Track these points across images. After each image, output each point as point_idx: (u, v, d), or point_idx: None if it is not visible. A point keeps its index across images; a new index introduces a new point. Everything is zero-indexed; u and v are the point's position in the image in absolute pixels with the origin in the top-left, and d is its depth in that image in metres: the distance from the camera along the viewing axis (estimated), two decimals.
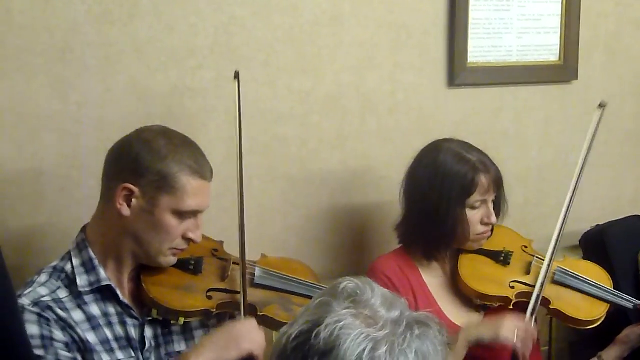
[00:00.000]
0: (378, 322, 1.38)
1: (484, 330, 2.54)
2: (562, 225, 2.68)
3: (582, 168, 2.67)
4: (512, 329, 2.52)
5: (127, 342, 2.16)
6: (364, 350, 1.33)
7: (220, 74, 2.78)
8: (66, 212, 2.58)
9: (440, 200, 2.62)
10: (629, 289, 2.93)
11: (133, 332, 2.18)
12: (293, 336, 1.38)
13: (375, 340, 1.35)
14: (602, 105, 2.68)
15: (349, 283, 1.44)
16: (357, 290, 1.42)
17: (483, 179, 2.62)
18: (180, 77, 2.74)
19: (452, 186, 2.61)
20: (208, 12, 2.75)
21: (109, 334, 2.13)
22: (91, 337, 2.10)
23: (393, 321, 1.39)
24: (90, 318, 2.12)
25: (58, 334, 2.05)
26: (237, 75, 2.32)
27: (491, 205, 2.68)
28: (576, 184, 2.68)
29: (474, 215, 2.65)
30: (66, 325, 2.07)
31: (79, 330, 2.08)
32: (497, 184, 2.67)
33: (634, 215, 3.52)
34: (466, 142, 2.71)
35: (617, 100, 3.58)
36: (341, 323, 1.36)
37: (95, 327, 2.11)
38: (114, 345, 2.13)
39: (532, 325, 2.60)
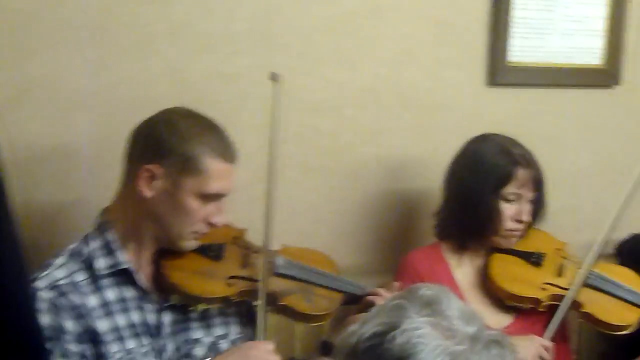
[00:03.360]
0: (456, 336, 1.34)
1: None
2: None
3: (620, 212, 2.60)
4: (531, 353, 2.51)
5: (143, 328, 2.13)
6: None
7: (255, 61, 2.75)
8: (95, 193, 2.54)
9: (477, 187, 2.63)
10: None
11: (150, 318, 2.15)
12: (366, 336, 1.34)
13: (453, 354, 1.31)
14: None
15: (427, 290, 1.41)
16: (435, 299, 1.39)
17: (521, 173, 2.62)
18: (214, 62, 2.71)
19: (490, 174, 2.62)
20: None
21: (122, 321, 2.10)
22: (102, 325, 2.07)
23: (471, 337, 1.34)
24: (105, 304, 2.09)
25: (69, 324, 2.03)
26: (275, 77, 2.25)
27: (526, 204, 2.66)
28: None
29: (507, 209, 2.64)
30: (79, 314, 2.05)
31: (90, 320, 2.05)
32: (536, 182, 2.66)
33: None
34: (513, 139, 2.70)
35: None
36: (419, 331, 1.32)
37: (109, 314, 2.09)
38: (125, 333, 2.10)
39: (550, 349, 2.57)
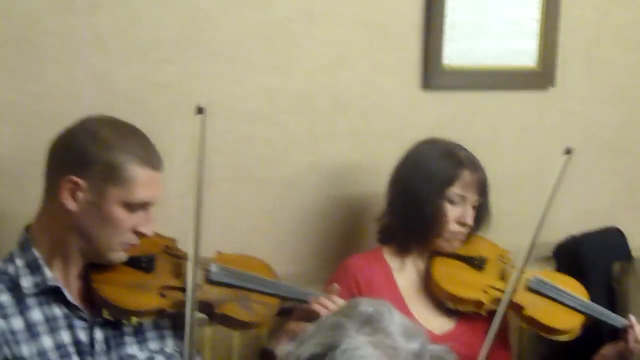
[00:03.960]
0: (399, 355, 1.29)
1: None
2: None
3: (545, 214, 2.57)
4: None
5: (74, 347, 2.05)
6: None
7: (185, 69, 2.70)
8: (18, 209, 2.45)
9: (421, 188, 2.62)
10: (602, 301, 2.88)
11: (82, 335, 2.07)
12: (303, 358, 1.28)
13: None
14: (568, 152, 2.59)
15: (367, 306, 1.35)
16: (376, 315, 1.33)
17: (466, 174, 2.63)
18: (143, 71, 2.65)
19: (435, 175, 2.62)
20: (175, 4, 2.66)
21: (49, 342, 2.02)
22: (27, 350, 1.98)
23: (414, 355, 1.30)
24: (30, 326, 2.01)
25: None
26: (201, 111, 2.19)
27: (470, 208, 2.65)
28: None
29: (451, 211, 2.63)
30: (5, 340, 1.97)
31: (15, 346, 1.97)
32: (480, 186, 2.67)
33: (609, 227, 3.47)
34: (458, 143, 2.71)
35: (595, 110, 3.52)
36: (360, 351, 1.27)
37: (34, 336, 2.00)
38: (53, 355, 2.02)
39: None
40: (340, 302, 2.34)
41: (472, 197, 2.65)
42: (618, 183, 3.66)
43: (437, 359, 1.31)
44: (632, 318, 2.73)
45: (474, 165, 2.66)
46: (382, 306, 1.35)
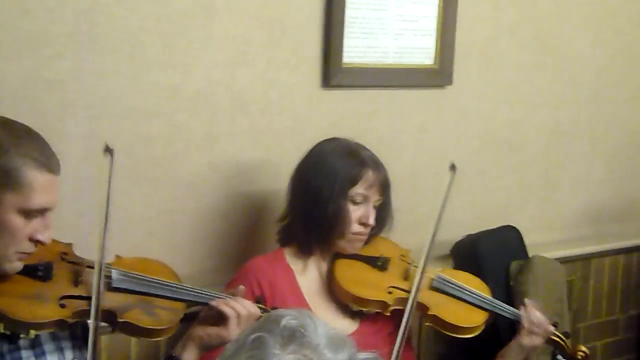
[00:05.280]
0: None
1: None
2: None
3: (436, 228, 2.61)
4: None
5: None
6: None
7: (80, 65, 2.58)
8: None
9: (324, 188, 2.58)
10: (500, 299, 2.90)
11: None
12: None
13: None
14: (452, 168, 2.65)
15: (290, 319, 1.26)
16: (300, 328, 1.25)
17: (370, 174, 2.60)
18: (35, 67, 2.52)
19: (338, 175, 2.58)
20: None
21: None
22: None
23: None
24: None
25: None
26: (109, 150, 2.09)
27: (372, 208, 2.63)
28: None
29: (353, 212, 2.60)
30: None
31: None
32: (384, 186, 2.65)
33: (505, 226, 3.50)
34: (360, 143, 2.69)
35: (490, 107, 3.55)
36: None
37: None
38: None
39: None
40: (247, 303, 2.29)
41: (375, 197, 2.63)
42: (513, 181, 3.70)
43: None
44: (526, 300, 2.82)
45: (376, 165, 2.64)
46: (305, 317, 1.28)
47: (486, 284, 2.90)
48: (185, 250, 2.89)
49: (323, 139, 2.71)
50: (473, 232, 3.43)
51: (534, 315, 2.76)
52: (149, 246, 2.78)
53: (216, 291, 2.40)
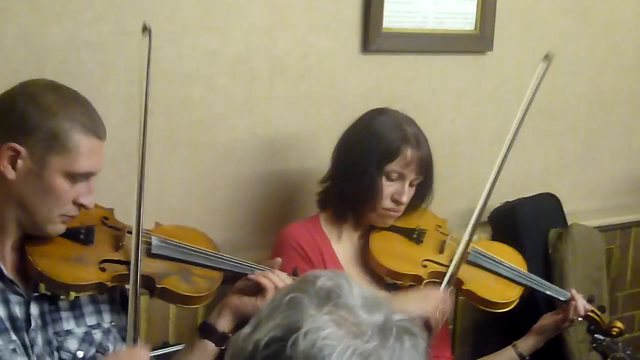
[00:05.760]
0: (364, 332, 1.20)
1: (411, 304, 2.43)
2: (485, 201, 2.59)
3: (517, 131, 2.60)
4: (436, 304, 2.46)
5: (9, 323, 1.94)
6: None
7: (120, 29, 2.58)
8: None
9: (361, 158, 2.56)
10: (538, 267, 2.91)
11: (17, 311, 1.96)
12: (263, 343, 1.19)
13: (364, 355, 1.18)
14: (548, 57, 2.57)
15: (326, 279, 1.26)
16: (335, 289, 1.24)
17: (409, 152, 2.54)
18: (76, 30, 2.52)
19: (377, 147, 2.55)
20: None
21: None
22: None
23: (380, 329, 1.22)
24: None
25: None
26: (146, 28, 2.07)
27: (408, 186, 2.58)
28: (506, 152, 2.61)
29: (387, 187, 2.56)
30: None
31: None
32: (422, 165, 2.59)
33: (544, 193, 3.48)
34: (411, 118, 2.63)
35: (530, 74, 3.49)
36: (324, 332, 1.18)
37: None
38: None
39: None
40: (284, 275, 2.29)
41: (411, 176, 2.58)
42: (551, 148, 3.67)
43: (404, 331, 1.24)
44: (573, 291, 2.74)
45: (418, 143, 2.57)
46: (341, 278, 1.27)
47: (524, 251, 2.88)
48: (223, 214, 2.90)
49: (375, 108, 2.67)
50: (511, 199, 3.41)
51: (581, 305, 2.71)
52: (187, 209, 2.81)
53: (254, 257, 2.40)
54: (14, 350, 1.93)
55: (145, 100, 2.07)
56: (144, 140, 2.07)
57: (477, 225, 2.64)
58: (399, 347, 1.21)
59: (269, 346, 1.19)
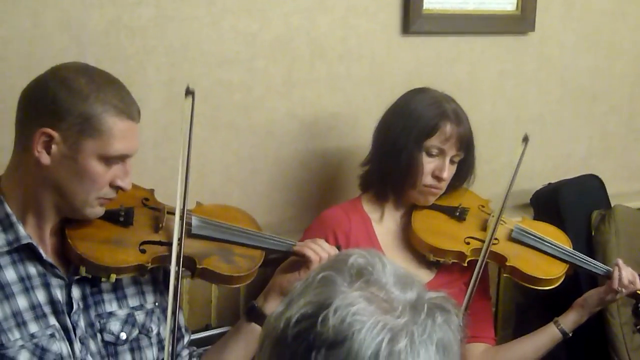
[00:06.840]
0: (395, 308, 1.19)
1: None
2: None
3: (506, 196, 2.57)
4: None
5: (50, 307, 1.95)
6: (381, 341, 1.15)
7: (161, 12, 2.58)
8: None
9: (401, 135, 2.56)
10: (581, 249, 2.87)
11: (58, 294, 1.97)
12: (294, 320, 1.19)
13: (394, 330, 1.17)
14: (525, 140, 2.62)
15: (358, 257, 1.25)
16: (368, 267, 1.24)
17: (448, 127, 2.55)
18: (117, 14, 2.53)
19: (416, 123, 2.55)
20: None
21: (23, 302, 1.92)
22: (0, 312, 1.89)
23: (411, 306, 1.21)
24: (3, 286, 1.90)
25: None
26: (190, 92, 2.09)
27: (448, 162, 2.58)
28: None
29: (427, 163, 2.57)
30: None
31: None
32: (463, 141, 2.59)
33: (587, 175, 3.44)
34: (450, 96, 2.64)
35: (573, 55, 3.47)
36: (354, 307, 1.17)
37: (8, 297, 1.90)
38: (28, 316, 1.92)
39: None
40: (328, 246, 2.28)
41: (452, 152, 2.58)
42: (594, 130, 3.63)
43: (436, 307, 1.23)
44: (619, 260, 2.70)
45: (458, 118, 2.57)
46: (373, 256, 1.27)
47: (567, 233, 2.85)
48: (264, 197, 2.91)
49: (413, 88, 2.67)
50: (554, 181, 3.39)
51: (626, 276, 2.66)
52: (228, 192, 2.82)
53: (294, 239, 2.40)
54: (51, 335, 1.94)
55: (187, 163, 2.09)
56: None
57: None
58: (430, 322, 1.20)
59: (300, 323, 1.18)
